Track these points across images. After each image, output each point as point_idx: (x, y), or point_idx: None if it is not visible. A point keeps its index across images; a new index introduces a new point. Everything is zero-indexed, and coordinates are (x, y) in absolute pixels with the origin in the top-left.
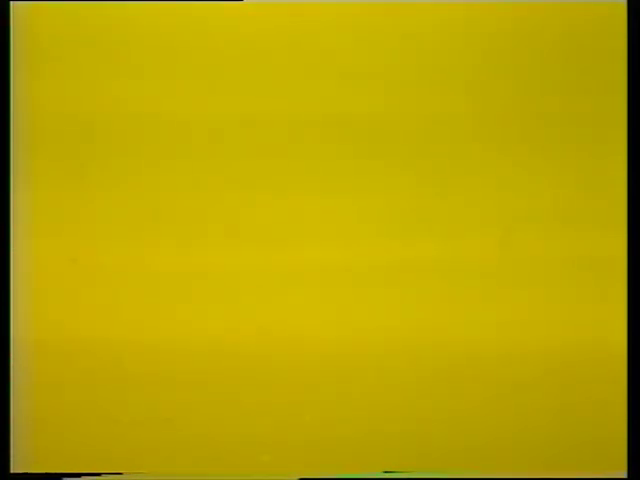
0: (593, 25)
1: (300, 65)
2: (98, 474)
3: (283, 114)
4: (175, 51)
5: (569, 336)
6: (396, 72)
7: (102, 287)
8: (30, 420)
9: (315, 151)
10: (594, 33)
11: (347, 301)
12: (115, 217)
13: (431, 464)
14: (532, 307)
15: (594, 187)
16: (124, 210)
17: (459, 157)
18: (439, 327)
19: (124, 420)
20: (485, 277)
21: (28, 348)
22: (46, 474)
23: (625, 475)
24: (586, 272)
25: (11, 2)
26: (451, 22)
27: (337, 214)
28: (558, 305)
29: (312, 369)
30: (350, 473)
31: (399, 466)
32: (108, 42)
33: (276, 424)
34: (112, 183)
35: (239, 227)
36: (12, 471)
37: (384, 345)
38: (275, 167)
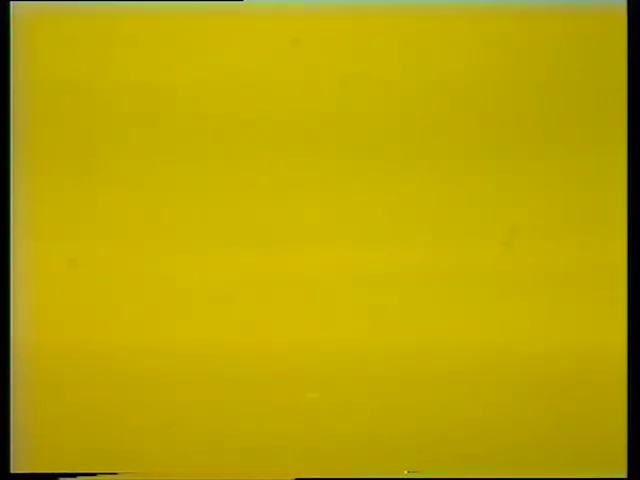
0: (593, 25)
1: (300, 66)
2: (93, 474)
3: (284, 115)
4: (175, 51)
5: (570, 338)
6: (396, 74)
7: (102, 289)
8: (30, 420)
9: (316, 152)
10: (594, 33)
11: (348, 304)
12: (116, 218)
13: (431, 465)
14: (532, 311)
15: (594, 190)
16: (125, 211)
17: (459, 159)
18: (439, 330)
19: (124, 421)
20: (485, 281)
21: (28, 349)
22: (46, 474)
23: (625, 475)
24: (587, 276)
25: (11, 2)
26: (449, 23)
27: (337, 218)
28: (558, 309)
29: (312, 372)
30: (347, 475)
31: (399, 467)
32: (109, 42)
33: (274, 425)
34: (113, 184)
35: (241, 229)
36: (12, 471)
37: (384, 348)
38: (276, 168)
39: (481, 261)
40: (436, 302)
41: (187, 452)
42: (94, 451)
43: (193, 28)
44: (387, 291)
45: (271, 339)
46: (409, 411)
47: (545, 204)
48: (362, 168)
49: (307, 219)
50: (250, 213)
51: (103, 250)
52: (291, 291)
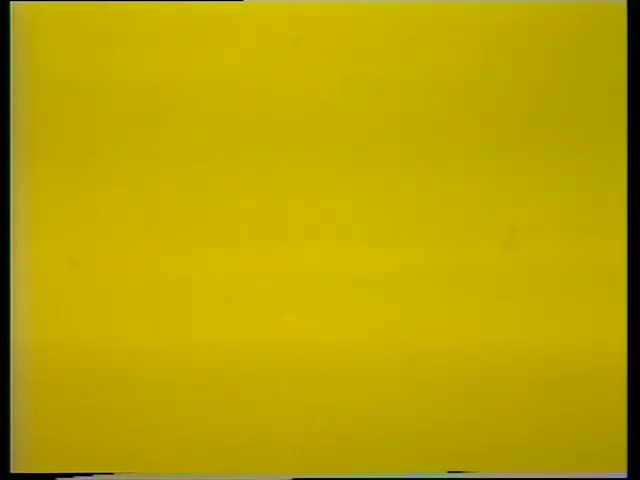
0: (593, 25)
1: (300, 65)
2: (89, 474)
3: (284, 115)
4: (176, 51)
5: (570, 339)
6: (395, 73)
7: (102, 289)
8: (30, 420)
9: (316, 153)
10: (594, 33)
11: (348, 304)
12: (116, 218)
13: (431, 464)
14: (533, 311)
15: (594, 190)
16: (125, 211)
17: (460, 159)
18: (439, 331)
19: (124, 421)
20: (486, 282)
21: (28, 349)
22: (46, 474)
23: (625, 475)
24: (587, 277)
25: (11, 2)
26: (449, 23)
27: (338, 218)
28: (559, 309)
29: (312, 372)
30: (346, 473)
31: (398, 467)
32: (109, 43)
33: (274, 425)
34: (113, 184)
35: (241, 229)
36: (12, 471)
37: (385, 349)
38: (275, 168)
39: (481, 261)
40: (436, 301)
41: (187, 452)
42: (95, 451)
43: (194, 27)
44: (388, 290)
45: (270, 337)
46: (410, 410)
47: (545, 204)
48: (362, 168)
49: (307, 218)
50: (249, 212)
51: (104, 250)
52: (291, 290)
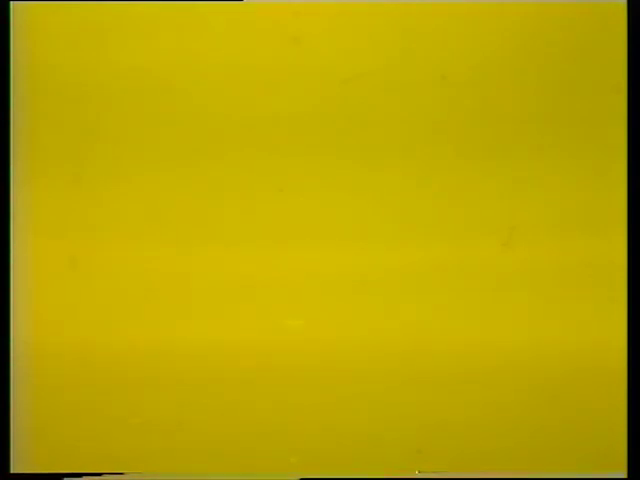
0: (593, 25)
1: (300, 63)
2: (99, 474)
3: (284, 114)
4: (179, 50)
5: (570, 338)
6: (396, 73)
7: (102, 288)
8: (30, 420)
9: (317, 152)
10: (594, 33)
11: (348, 304)
12: (115, 218)
13: (431, 465)
14: (533, 311)
15: (594, 190)
16: (124, 211)
17: (460, 160)
18: (440, 330)
19: (123, 421)
20: (486, 281)
21: (28, 349)
22: (46, 474)
23: (625, 475)
24: (587, 276)
25: (11, 2)
26: (449, 23)
27: (339, 218)
28: (559, 309)
29: (313, 372)
30: (352, 474)
31: (400, 467)
32: (109, 43)
33: (276, 425)
34: (113, 183)
35: (240, 229)
36: (12, 471)
37: (385, 348)
38: (276, 168)
39: (481, 261)
40: (436, 301)
41: (188, 453)
42: (94, 451)
43: (197, 26)
44: (387, 290)
45: (271, 337)
46: (410, 410)
47: (545, 204)
48: (362, 168)
49: (306, 218)
50: (250, 212)
51: (104, 250)
52: (291, 290)
